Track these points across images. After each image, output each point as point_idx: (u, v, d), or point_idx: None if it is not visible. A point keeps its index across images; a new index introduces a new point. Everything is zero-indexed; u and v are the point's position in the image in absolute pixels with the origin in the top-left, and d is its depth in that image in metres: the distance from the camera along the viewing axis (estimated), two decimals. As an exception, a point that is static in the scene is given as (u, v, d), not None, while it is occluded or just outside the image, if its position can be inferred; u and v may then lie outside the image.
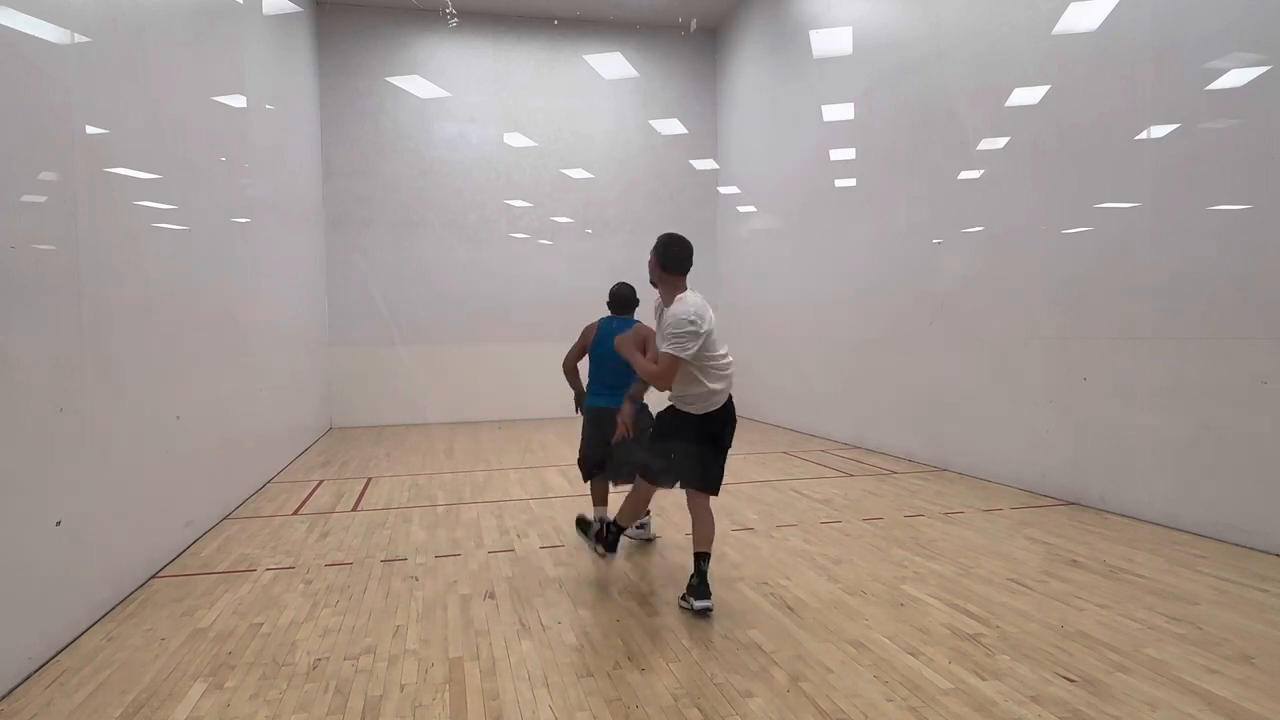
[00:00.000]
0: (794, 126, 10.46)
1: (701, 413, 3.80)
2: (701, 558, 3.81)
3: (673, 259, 3.79)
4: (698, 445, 3.82)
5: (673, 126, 12.74)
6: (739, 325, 11.65)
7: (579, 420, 4.97)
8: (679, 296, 3.73)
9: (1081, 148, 5.80)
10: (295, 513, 6.11)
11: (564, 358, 4.90)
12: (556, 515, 5.84)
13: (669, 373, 3.62)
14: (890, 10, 8.29)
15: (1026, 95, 6.32)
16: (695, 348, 3.60)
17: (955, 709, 2.77)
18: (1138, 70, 5.34)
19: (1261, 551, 4.55)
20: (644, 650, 3.34)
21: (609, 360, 4.70)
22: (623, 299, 4.95)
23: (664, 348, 3.63)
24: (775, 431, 10.47)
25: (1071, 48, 5.87)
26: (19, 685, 3.09)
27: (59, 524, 3.40)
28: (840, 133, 9.19)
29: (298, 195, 9.59)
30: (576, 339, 4.93)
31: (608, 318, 4.94)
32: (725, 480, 3.95)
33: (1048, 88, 6.12)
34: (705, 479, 3.86)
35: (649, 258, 3.87)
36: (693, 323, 3.58)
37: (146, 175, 4.61)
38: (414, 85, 11.76)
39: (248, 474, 6.71)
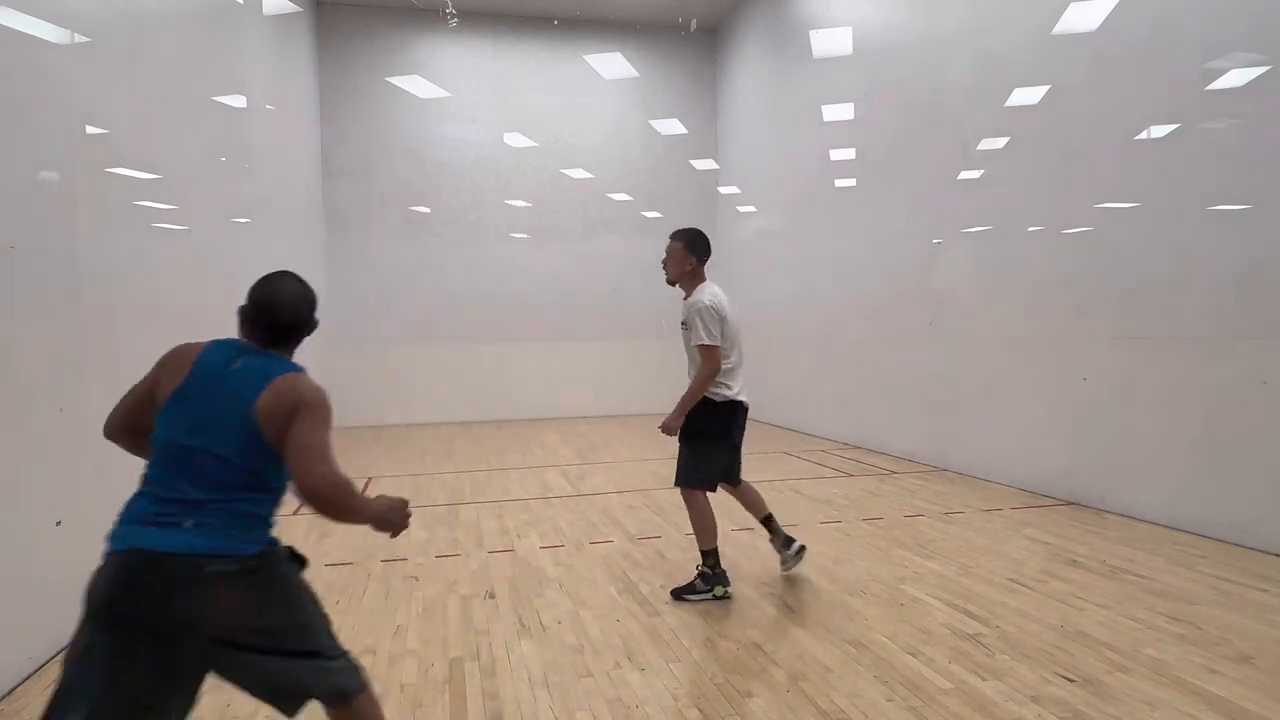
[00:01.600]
0: (794, 126, 10.45)
1: (739, 399, 4.00)
2: (768, 520, 4.26)
3: (705, 244, 4.08)
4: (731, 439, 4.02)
5: (673, 126, 12.72)
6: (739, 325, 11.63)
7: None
8: (700, 286, 4.00)
9: (1081, 148, 5.80)
10: (295, 513, 6.10)
11: (109, 416, 2.26)
12: (556, 515, 5.84)
13: (715, 360, 3.84)
14: (890, 10, 8.29)
15: (1026, 95, 6.32)
16: (718, 332, 3.86)
17: (955, 709, 2.77)
18: (1138, 70, 5.34)
19: (1261, 551, 4.55)
20: (644, 650, 3.34)
21: (194, 438, 1.94)
22: (290, 319, 2.09)
23: (703, 340, 3.84)
24: (775, 431, 10.46)
25: (1071, 48, 5.87)
26: (19, 685, 3.09)
27: (59, 524, 3.40)
28: (840, 133, 9.19)
29: (298, 195, 9.59)
30: (139, 382, 2.16)
31: (224, 343, 2.06)
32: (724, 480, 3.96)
33: (1048, 88, 6.12)
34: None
35: (677, 251, 4.02)
36: (715, 308, 3.88)
37: (146, 175, 4.60)
38: (414, 85, 11.75)
39: (248, 474, 6.69)
